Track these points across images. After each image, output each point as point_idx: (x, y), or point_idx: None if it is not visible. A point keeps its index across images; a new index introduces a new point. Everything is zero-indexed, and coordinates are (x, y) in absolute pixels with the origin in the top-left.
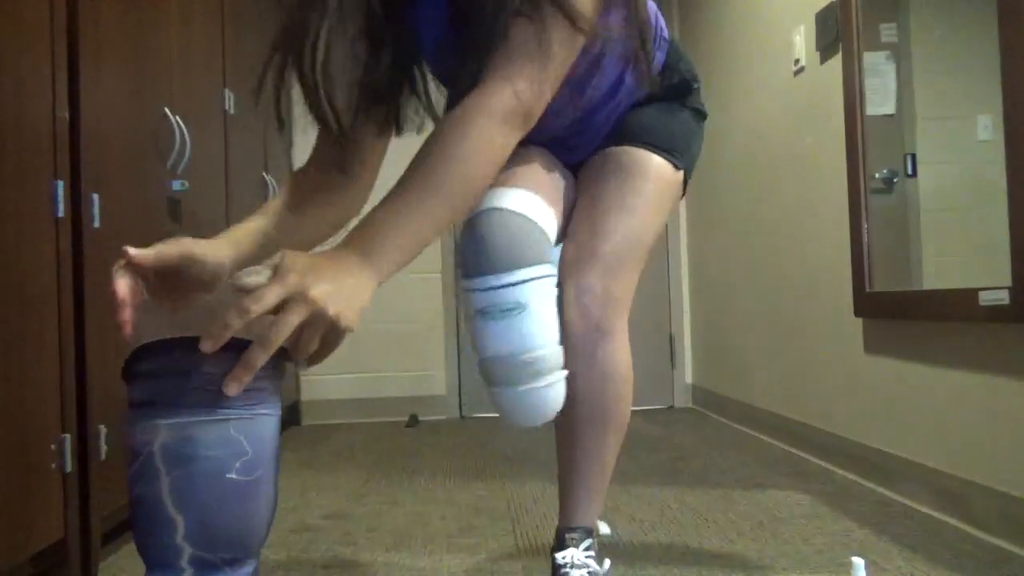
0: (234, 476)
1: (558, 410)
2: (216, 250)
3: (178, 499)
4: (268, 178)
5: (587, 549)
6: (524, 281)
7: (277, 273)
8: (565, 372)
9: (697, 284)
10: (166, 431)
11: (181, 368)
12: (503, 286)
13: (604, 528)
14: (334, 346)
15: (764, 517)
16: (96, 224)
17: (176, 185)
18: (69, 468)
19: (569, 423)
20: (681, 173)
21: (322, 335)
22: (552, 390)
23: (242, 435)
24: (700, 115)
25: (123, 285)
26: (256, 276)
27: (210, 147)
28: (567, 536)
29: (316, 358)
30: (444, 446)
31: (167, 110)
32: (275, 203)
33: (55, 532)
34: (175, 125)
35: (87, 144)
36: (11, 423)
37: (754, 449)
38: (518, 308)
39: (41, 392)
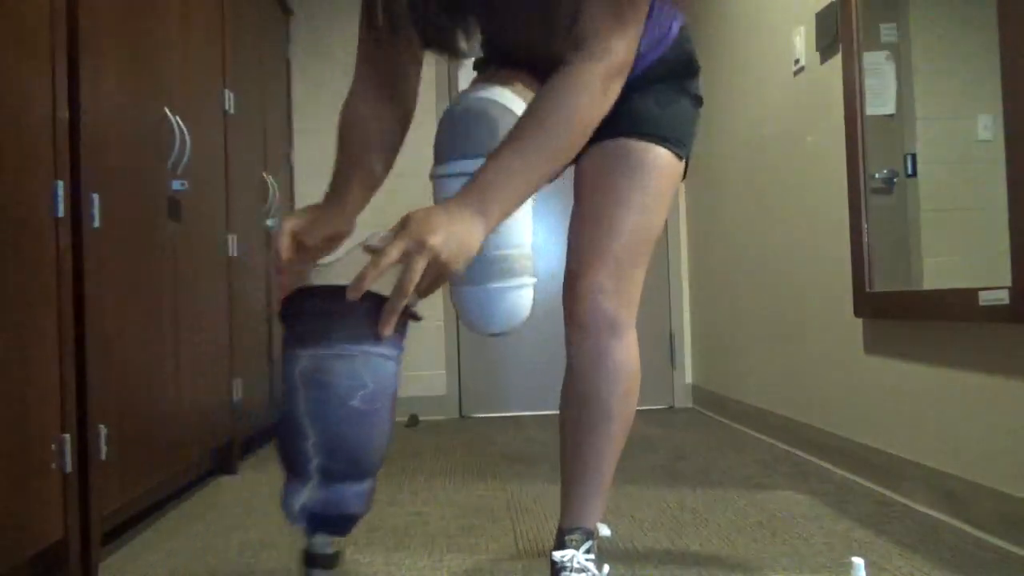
0: (356, 404)
1: (523, 318)
2: (352, 217)
3: (311, 414)
4: (268, 178)
5: (587, 551)
6: None
7: (400, 228)
8: (534, 280)
9: (697, 284)
10: (305, 360)
11: (320, 311)
12: (461, 174)
13: (604, 530)
14: (441, 284)
15: (764, 517)
16: (96, 224)
17: (176, 185)
18: (69, 468)
19: (576, 420)
20: (683, 162)
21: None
22: (518, 294)
23: (365, 371)
24: (699, 101)
25: (287, 250)
26: (381, 241)
27: (210, 147)
28: (567, 537)
29: (425, 293)
30: (444, 446)
31: (167, 110)
32: (368, 124)
33: (55, 532)
34: (175, 125)
35: (87, 144)
36: (11, 423)
37: (754, 449)
38: None
39: (41, 392)
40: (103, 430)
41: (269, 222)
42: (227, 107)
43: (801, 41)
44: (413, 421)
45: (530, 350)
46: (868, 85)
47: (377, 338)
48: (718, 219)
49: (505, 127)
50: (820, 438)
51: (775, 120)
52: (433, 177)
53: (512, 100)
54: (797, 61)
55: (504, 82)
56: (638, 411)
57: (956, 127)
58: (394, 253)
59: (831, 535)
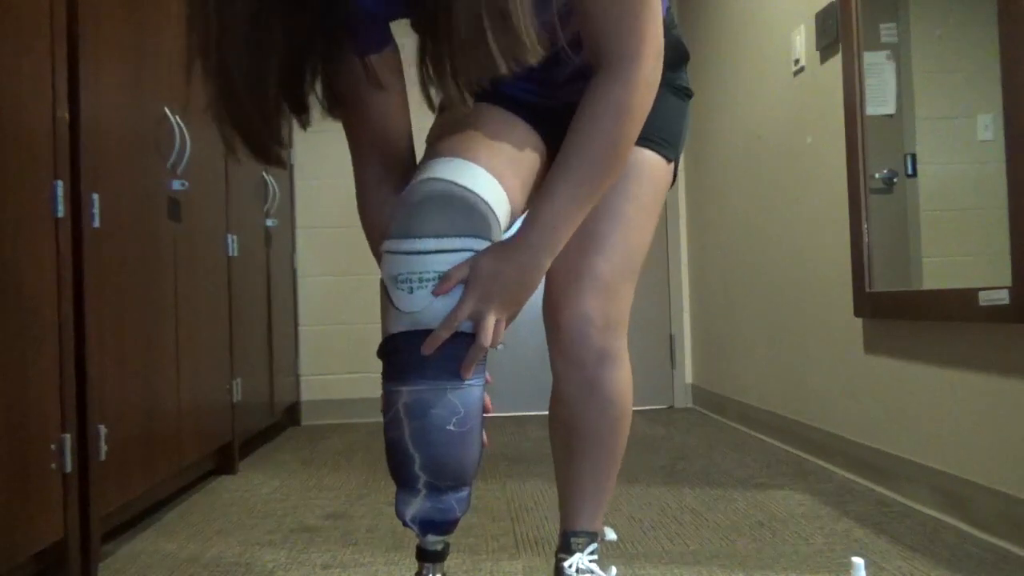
0: (452, 428)
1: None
2: None
3: (415, 441)
4: (268, 178)
5: (592, 554)
6: (454, 251)
7: (468, 284)
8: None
9: (697, 284)
10: (407, 395)
11: (416, 354)
12: (429, 252)
13: (611, 535)
14: (508, 324)
15: (764, 517)
16: (96, 224)
17: (176, 185)
18: (69, 468)
19: (567, 448)
20: (672, 164)
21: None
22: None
23: (457, 400)
24: (686, 94)
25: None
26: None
27: (210, 147)
28: (572, 540)
29: (498, 334)
30: None
31: (167, 110)
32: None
33: (55, 532)
34: (175, 125)
35: (87, 144)
36: (11, 423)
37: (754, 449)
38: (437, 280)
39: (41, 392)
40: (103, 430)
41: (269, 222)
42: None
43: (801, 41)
44: None
45: (529, 350)
46: (868, 85)
47: (462, 378)
48: (718, 219)
49: (467, 209)
50: (820, 438)
51: (775, 120)
52: (384, 252)
53: (476, 177)
54: (797, 61)
55: (468, 148)
56: (638, 411)
57: (956, 127)
58: (463, 314)
59: (831, 535)
